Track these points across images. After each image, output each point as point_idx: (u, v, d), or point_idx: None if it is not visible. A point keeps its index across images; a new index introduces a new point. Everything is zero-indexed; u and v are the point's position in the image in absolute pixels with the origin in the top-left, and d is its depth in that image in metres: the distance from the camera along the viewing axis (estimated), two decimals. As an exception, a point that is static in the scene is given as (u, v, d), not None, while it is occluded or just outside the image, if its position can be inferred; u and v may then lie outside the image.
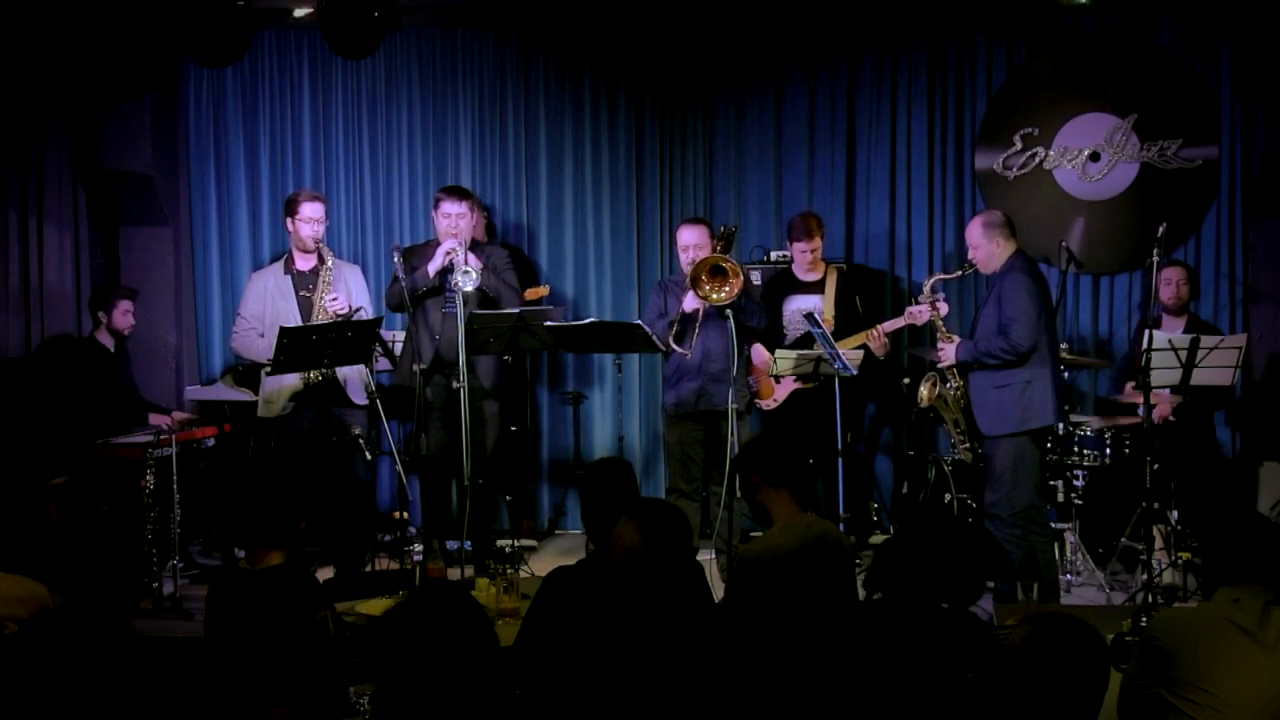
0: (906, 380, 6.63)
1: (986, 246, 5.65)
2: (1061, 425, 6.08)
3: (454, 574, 6.00)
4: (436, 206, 6.25)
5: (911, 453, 7.15)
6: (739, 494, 5.85)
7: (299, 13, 6.93)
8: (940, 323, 5.92)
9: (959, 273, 6.06)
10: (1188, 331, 6.17)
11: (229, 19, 6.20)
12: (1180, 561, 5.74)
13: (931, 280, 6.05)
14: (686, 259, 6.12)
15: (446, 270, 6.07)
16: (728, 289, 5.83)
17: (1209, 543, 3.27)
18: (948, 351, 5.75)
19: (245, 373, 6.69)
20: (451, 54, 7.58)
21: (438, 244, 6.17)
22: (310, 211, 6.23)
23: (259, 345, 6.22)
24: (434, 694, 2.24)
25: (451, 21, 7.51)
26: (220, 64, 6.83)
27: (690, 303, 6.05)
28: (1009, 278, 5.57)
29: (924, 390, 6.08)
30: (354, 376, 6.14)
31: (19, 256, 6.78)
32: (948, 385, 5.96)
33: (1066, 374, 6.35)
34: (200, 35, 6.24)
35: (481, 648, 2.29)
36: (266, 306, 6.26)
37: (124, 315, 6.73)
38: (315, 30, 6.98)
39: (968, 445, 6.02)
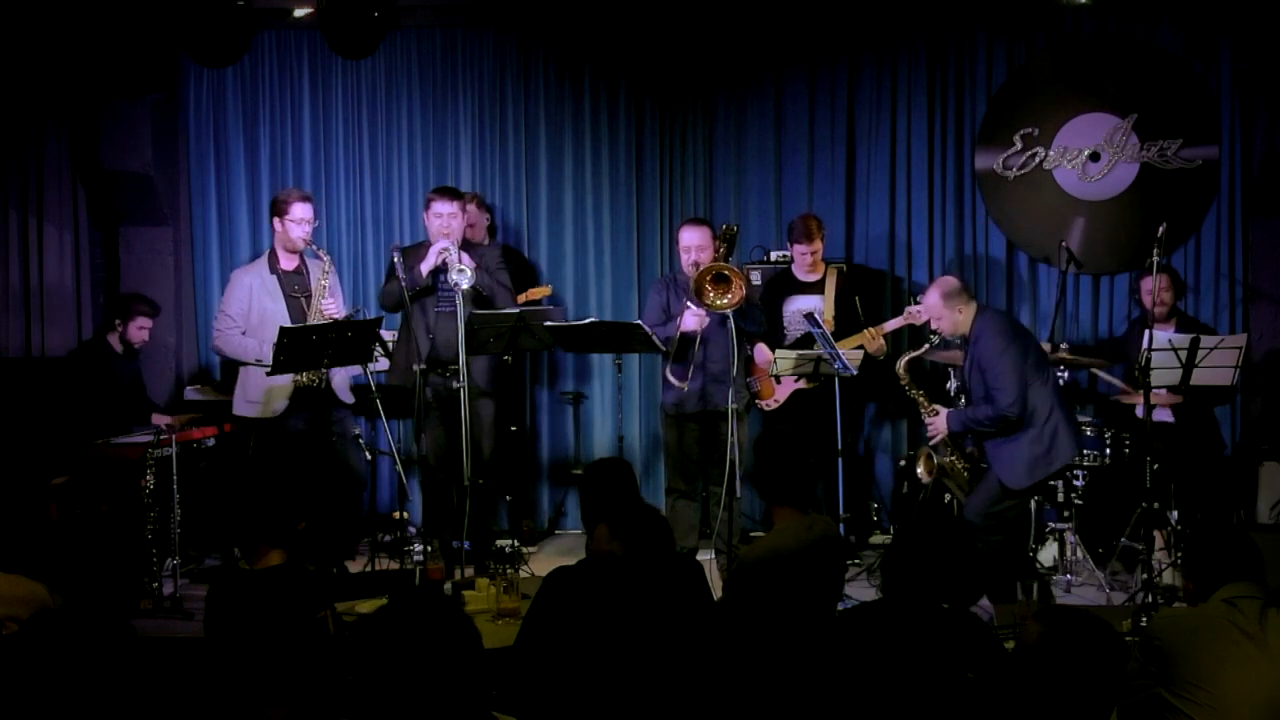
0: (902, 461, 6.61)
1: (950, 317, 5.58)
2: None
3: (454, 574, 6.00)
4: (428, 207, 6.26)
5: (912, 453, 7.14)
6: (739, 494, 5.89)
7: (299, 13, 6.93)
8: (922, 398, 5.87)
9: (925, 346, 5.99)
10: (1180, 332, 6.16)
11: (229, 19, 6.20)
12: (1180, 561, 5.73)
13: (905, 359, 5.92)
14: (688, 260, 6.11)
15: (439, 270, 6.07)
16: (730, 295, 5.81)
17: (1195, 550, 3.30)
18: (937, 424, 5.74)
19: (221, 382, 6.71)
20: (451, 54, 7.58)
21: (430, 245, 6.17)
22: (302, 212, 6.20)
23: (246, 344, 6.17)
24: (416, 696, 2.24)
25: (451, 21, 7.51)
26: (220, 64, 6.83)
27: (689, 322, 6.03)
28: (980, 344, 5.48)
29: (921, 469, 6.00)
30: (339, 377, 6.17)
31: (19, 256, 6.79)
32: (944, 457, 5.92)
33: (1067, 374, 6.34)
34: (200, 35, 6.24)
35: (463, 651, 2.29)
36: (252, 305, 6.23)
37: (139, 331, 6.76)
38: (315, 30, 6.98)
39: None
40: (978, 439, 5.73)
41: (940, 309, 5.58)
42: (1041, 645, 2.56)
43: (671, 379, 6.15)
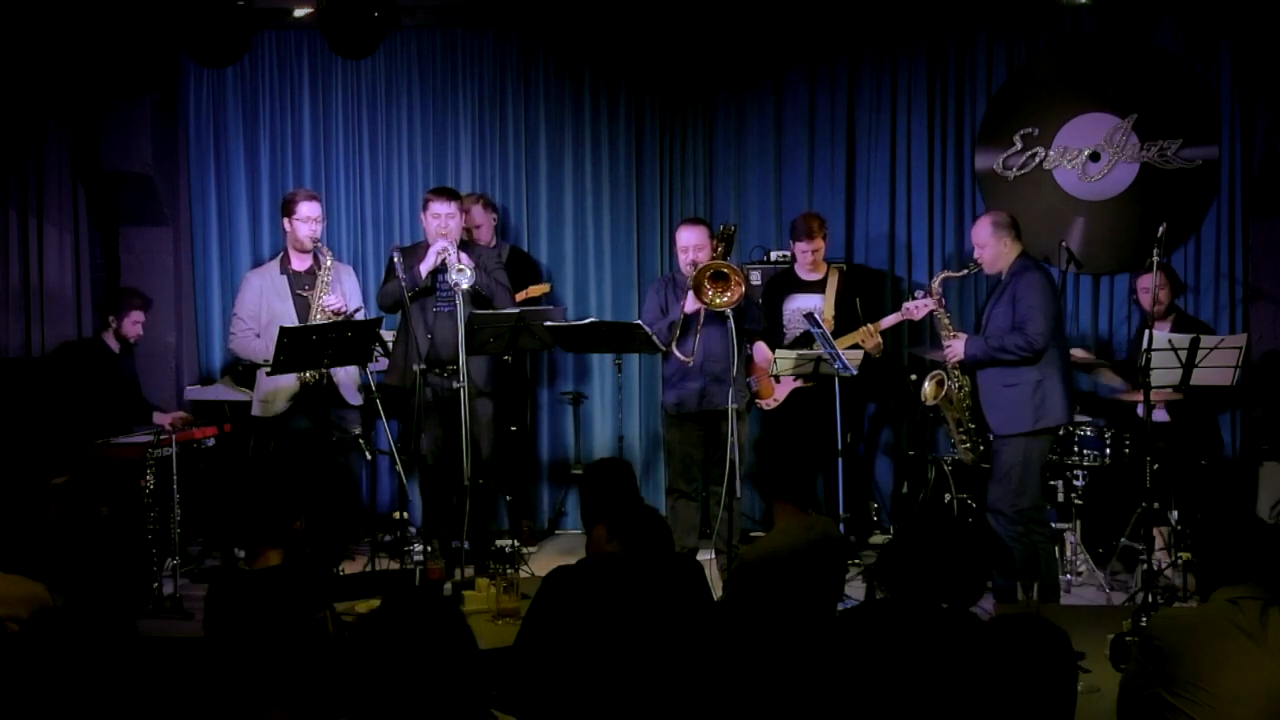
0: (914, 377, 6.62)
1: (994, 246, 5.66)
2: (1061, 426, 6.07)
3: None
4: (426, 207, 6.26)
5: (911, 453, 7.15)
6: (739, 494, 5.89)
7: (299, 13, 6.93)
8: (946, 318, 5.91)
9: (964, 271, 6.08)
10: (1176, 331, 6.17)
11: (229, 19, 6.20)
12: (1180, 561, 5.74)
13: (940, 277, 6.04)
14: (686, 260, 6.11)
15: (438, 270, 6.07)
16: (729, 294, 5.81)
17: (1203, 545, 3.28)
18: (955, 347, 5.74)
19: (244, 373, 6.70)
20: (451, 54, 7.58)
21: (428, 245, 6.17)
22: (308, 211, 6.24)
23: (256, 346, 6.23)
24: (411, 696, 2.24)
25: (451, 21, 7.51)
26: (220, 64, 6.83)
27: (691, 304, 6.04)
28: (1024, 277, 5.58)
29: (928, 387, 6.03)
30: (346, 378, 6.17)
31: (19, 256, 6.78)
32: (953, 383, 5.94)
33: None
34: (200, 35, 6.24)
35: (456, 650, 2.29)
36: (262, 306, 6.25)
37: (134, 325, 6.74)
38: (315, 30, 6.98)
39: (968, 445, 6.00)
40: (975, 383, 5.76)
41: (988, 237, 5.70)
42: (989, 651, 2.57)
43: (677, 353, 6.08)
